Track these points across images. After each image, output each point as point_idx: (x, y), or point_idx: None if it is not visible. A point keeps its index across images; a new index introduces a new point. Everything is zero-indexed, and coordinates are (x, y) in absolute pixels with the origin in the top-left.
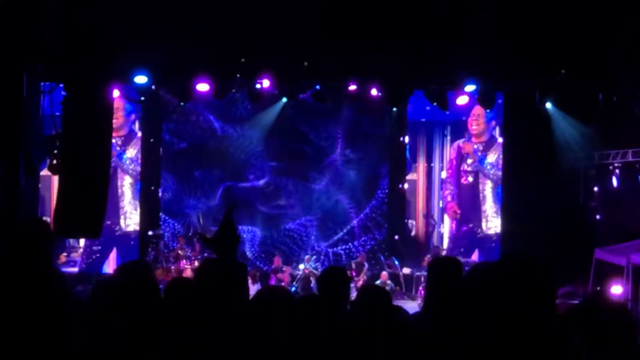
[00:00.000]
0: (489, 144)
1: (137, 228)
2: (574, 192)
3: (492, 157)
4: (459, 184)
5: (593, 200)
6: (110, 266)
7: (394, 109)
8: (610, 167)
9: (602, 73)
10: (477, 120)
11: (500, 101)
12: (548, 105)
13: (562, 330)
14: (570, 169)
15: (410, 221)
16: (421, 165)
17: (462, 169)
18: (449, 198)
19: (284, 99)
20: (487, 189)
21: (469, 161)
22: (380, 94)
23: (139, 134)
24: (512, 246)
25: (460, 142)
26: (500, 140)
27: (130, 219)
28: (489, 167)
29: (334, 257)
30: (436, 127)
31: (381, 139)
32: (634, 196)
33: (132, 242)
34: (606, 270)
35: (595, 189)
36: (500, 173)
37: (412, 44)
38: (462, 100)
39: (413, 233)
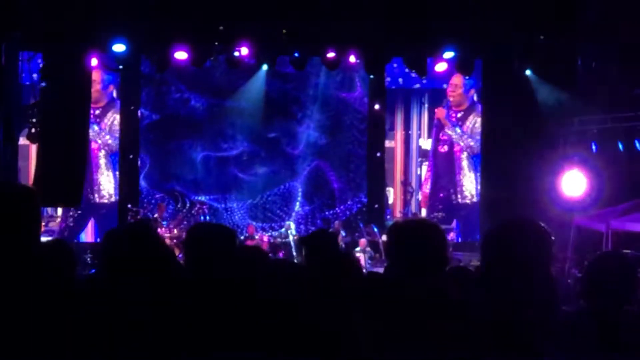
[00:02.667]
0: (469, 110)
1: (112, 199)
2: (554, 158)
3: (471, 122)
4: (435, 152)
5: (572, 167)
6: (88, 236)
7: (371, 76)
8: (589, 133)
9: (581, 38)
10: (454, 89)
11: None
12: (527, 72)
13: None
14: (549, 136)
15: (388, 189)
16: (399, 133)
17: (440, 137)
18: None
19: (263, 68)
20: (463, 157)
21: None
22: (358, 60)
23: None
24: (491, 212)
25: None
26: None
27: (104, 189)
28: (459, 135)
29: (321, 223)
30: (414, 95)
31: (352, 103)
32: (613, 162)
33: (105, 212)
34: (586, 237)
35: (575, 155)
36: (471, 142)
37: (391, 10)
38: (440, 67)
39: (391, 201)
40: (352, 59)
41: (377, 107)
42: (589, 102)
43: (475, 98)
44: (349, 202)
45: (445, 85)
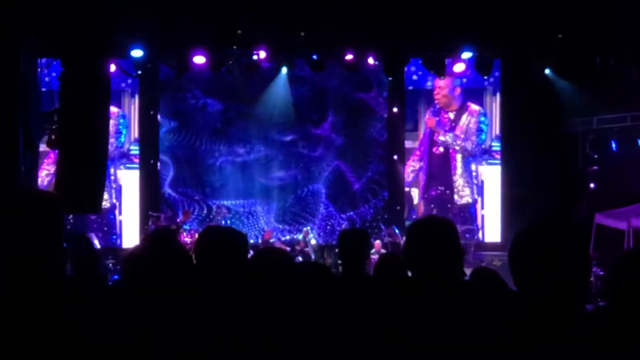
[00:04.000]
0: (460, 111)
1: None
2: (573, 157)
3: (464, 122)
4: (430, 154)
5: (592, 165)
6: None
7: (390, 78)
8: (609, 132)
9: (599, 37)
10: (439, 91)
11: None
12: (546, 71)
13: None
14: (568, 135)
15: (412, 189)
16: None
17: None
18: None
19: (283, 72)
20: (458, 159)
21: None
22: (377, 62)
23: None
24: (513, 212)
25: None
26: (473, 107)
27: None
28: (453, 139)
29: (348, 223)
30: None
31: (369, 103)
32: (633, 160)
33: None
34: (607, 235)
35: (594, 154)
36: (468, 145)
37: (409, 11)
38: (459, 67)
39: (416, 202)
40: (371, 60)
41: (395, 110)
42: (608, 100)
43: (461, 95)
44: (370, 203)
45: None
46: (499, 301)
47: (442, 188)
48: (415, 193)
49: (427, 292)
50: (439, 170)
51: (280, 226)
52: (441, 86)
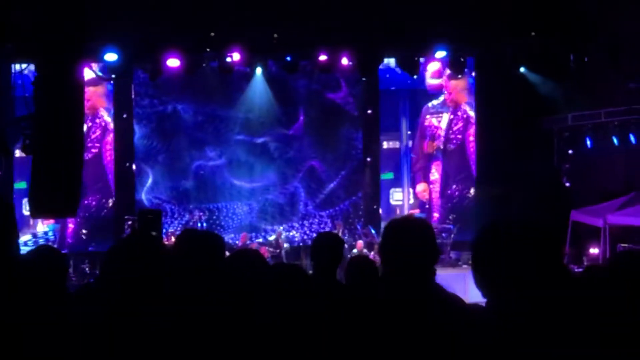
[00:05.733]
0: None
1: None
2: (549, 154)
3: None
4: (445, 151)
5: (567, 162)
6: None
7: (364, 79)
8: (584, 129)
9: (573, 34)
10: (453, 89)
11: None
12: (521, 69)
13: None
14: (543, 132)
15: (396, 189)
16: (404, 133)
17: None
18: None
19: (257, 72)
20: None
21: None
22: (350, 63)
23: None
24: (487, 210)
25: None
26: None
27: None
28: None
29: (329, 221)
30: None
31: (339, 103)
32: (608, 157)
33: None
34: (583, 232)
35: (570, 151)
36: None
37: (382, 11)
38: (433, 66)
39: (400, 202)
40: (345, 61)
41: (369, 111)
42: (582, 97)
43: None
44: (346, 202)
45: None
46: (463, 309)
47: (462, 190)
48: (399, 193)
49: (390, 306)
50: (455, 169)
51: (262, 226)
52: (453, 85)
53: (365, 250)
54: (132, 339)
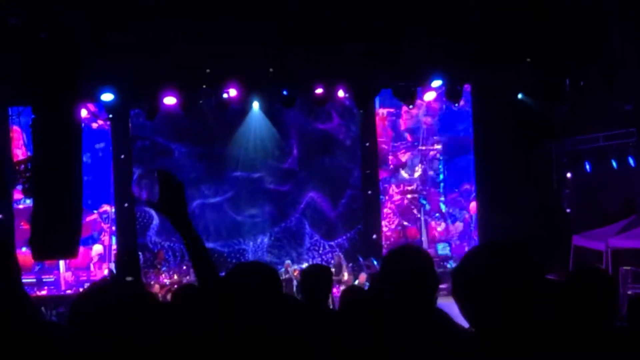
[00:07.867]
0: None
1: None
2: (548, 179)
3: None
4: None
5: (567, 188)
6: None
7: (361, 110)
8: (582, 153)
9: (568, 59)
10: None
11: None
12: (518, 95)
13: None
14: (542, 157)
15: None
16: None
17: None
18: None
19: (254, 107)
20: None
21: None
22: (347, 95)
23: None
24: (490, 237)
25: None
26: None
27: None
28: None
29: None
30: None
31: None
32: (607, 181)
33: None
34: (585, 256)
35: (568, 175)
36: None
37: (377, 42)
38: (429, 96)
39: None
40: (341, 93)
41: (367, 144)
42: (580, 122)
43: None
44: (348, 233)
45: None
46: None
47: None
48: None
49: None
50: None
51: (269, 259)
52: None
53: (367, 283)
54: None
